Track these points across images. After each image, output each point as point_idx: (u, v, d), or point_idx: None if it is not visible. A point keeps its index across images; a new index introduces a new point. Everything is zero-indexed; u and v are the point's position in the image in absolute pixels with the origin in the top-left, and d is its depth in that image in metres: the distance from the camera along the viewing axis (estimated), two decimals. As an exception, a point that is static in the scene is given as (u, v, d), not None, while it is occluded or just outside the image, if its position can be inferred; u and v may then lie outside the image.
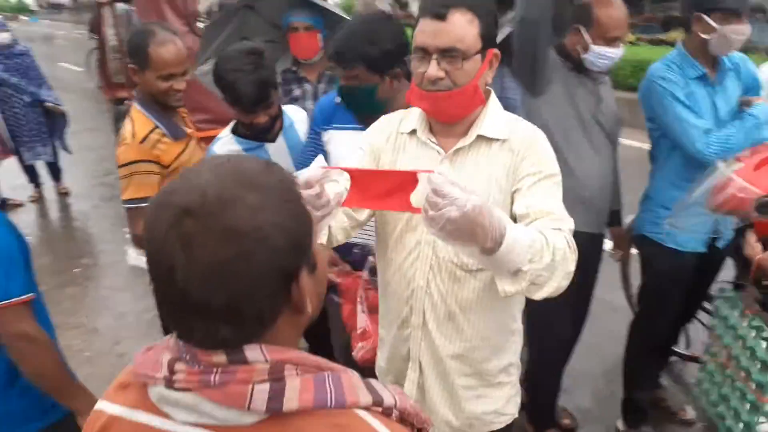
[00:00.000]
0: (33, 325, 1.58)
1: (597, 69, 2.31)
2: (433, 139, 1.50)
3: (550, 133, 1.56)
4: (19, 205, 6.22)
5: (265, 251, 0.70)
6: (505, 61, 1.81)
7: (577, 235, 1.34)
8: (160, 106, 2.22)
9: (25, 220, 5.81)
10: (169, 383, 0.74)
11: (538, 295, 1.26)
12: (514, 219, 1.37)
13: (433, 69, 1.37)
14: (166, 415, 0.77)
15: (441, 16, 1.36)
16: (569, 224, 1.35)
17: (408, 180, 1.15)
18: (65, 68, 14.30)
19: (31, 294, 1.58)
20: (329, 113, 2.17)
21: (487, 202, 1.10)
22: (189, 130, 2.34)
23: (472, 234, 1.09)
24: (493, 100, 1.51)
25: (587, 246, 2.19)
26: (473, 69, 1.39)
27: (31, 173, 6.38)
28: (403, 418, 0.80)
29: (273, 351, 0.74)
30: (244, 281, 0.70)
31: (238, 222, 0.69)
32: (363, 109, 1.98)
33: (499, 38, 1.81)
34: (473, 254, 1.17)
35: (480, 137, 1.45)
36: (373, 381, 0.81)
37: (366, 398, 0.76)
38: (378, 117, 1.64)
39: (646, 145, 2.65)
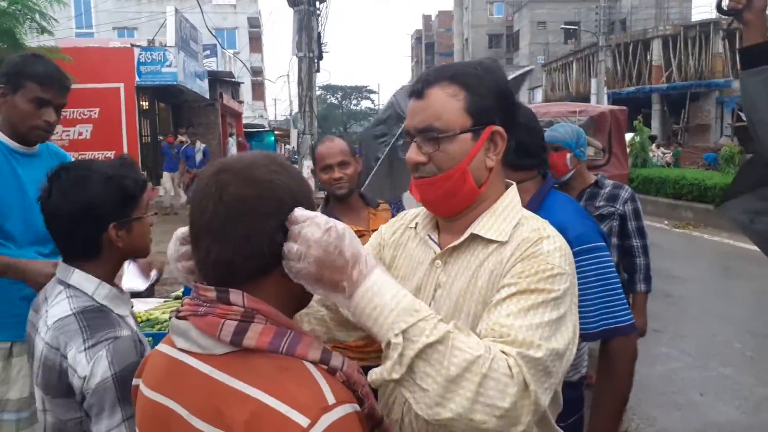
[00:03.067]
0: None
1: None
2: (435, 237, 1.33)
3: None
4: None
5: (273, 198, 0.96)
6: None
7: None
8: (336, 200, 2.67)
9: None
10: (177, 313, 1.00)
11: (431, 414, 0.97)
12: None
13: (412, 152, 1.23)
14: (173, 344, 1.00)
15: (419, 94, 1.23)
16: (535, 352, 1.02)
17: None
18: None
19: None
20: None
21: (353, 236, 0.97)
22: (356, 228, 2.51)
23: (340, 266, 0.94)
24: (509, 195, 1.29)
25: None
26: (460, 150, 1.20)
27: None
28: (348, 383, 0.96)
29: (252, 300, 0.95)
30: (257, 216, 0.94)
31: (258, 174, 0.96)
32: None
33: None
34: (340, 302, 1.00)
35: (475, 236, 1.24)
36: (333, 351, 0.99)
37: (315, 355, 0.95)
38: None
39: None
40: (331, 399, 0.89)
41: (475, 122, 1.20)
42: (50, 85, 2.19)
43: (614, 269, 1.92)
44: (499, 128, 1.22)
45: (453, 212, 1.27)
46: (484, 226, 1.24)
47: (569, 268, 1.17)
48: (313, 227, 0.93)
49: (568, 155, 2.94)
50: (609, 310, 1.84)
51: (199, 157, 14.08)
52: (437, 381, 0.95)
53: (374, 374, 0.99)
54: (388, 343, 0.96)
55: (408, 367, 0.96)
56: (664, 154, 20.33)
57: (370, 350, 2.22)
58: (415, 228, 1.38)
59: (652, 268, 3.20)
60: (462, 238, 1.24)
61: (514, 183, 1.32)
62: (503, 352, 1.01)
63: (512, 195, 1.29)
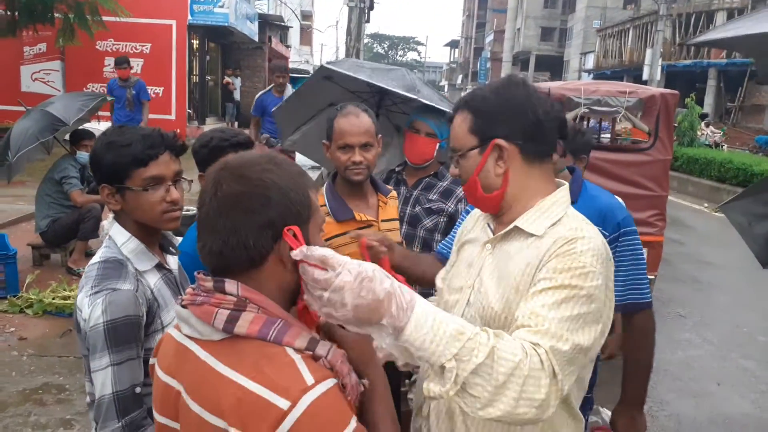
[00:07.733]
0: None
1: None
2: (492, 224, 1.52)
3: None
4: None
5: (261, 196, 1.01)
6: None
7: None
8: (347, 182, 2.27)
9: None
10: (181, 301, 1.07)
11: (482, 414, 1.11)
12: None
13: (452, 167, 1.49)
14: (179, 329, 1.09)
15: (451, 120, 1.47)
16: (563, 345, 1.18)
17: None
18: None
19: None
20: None
21: (381, 272, 1.02)
22: (365, 217, 2.27)
23: (376, 307, 1.00)
24: (557, 195, 1.42)
25: None
26: (471, 165, 1.41)
27: None
28: (332, 370, 1.02)
29: (246, 290, 1.02)
30: (244, 212, 1.01)
31: (250, 173, 1.03)
32: None
33: None
34: (385, 341, 1.06)
35: (517, 229, 1.40)
36: (323, 341, 1.06)
37: (301, 343, 1.02)
38: None
39: None
40: (309, 379, 0.96)
41: (479, 140, 1.39)
42: None
43: (643, 252, 2.14)
44: (501, 141, 1.36)
45: (487, 211, 1.51)
46: (526, 220, 1.39)
47: (601, 267, 1.28)
48: (345, 275, 0.97)
49: (438, 146, 2.76)
50: (637, 286, 2.12)
51: None
52: (487, 389, 1.08)
53: (430, 391, 1.10)
54: (442, 366, 1.06)
55: (462, 382, 1.08)
56: (713, 133, 19.74)
57: None
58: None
59: (684, 252, 3.23)
60: (507, 228, 1.42)
61: (566, 184, 1.46)
62: (537, 343, 1.16)
63: (560, 195, 1.42)
